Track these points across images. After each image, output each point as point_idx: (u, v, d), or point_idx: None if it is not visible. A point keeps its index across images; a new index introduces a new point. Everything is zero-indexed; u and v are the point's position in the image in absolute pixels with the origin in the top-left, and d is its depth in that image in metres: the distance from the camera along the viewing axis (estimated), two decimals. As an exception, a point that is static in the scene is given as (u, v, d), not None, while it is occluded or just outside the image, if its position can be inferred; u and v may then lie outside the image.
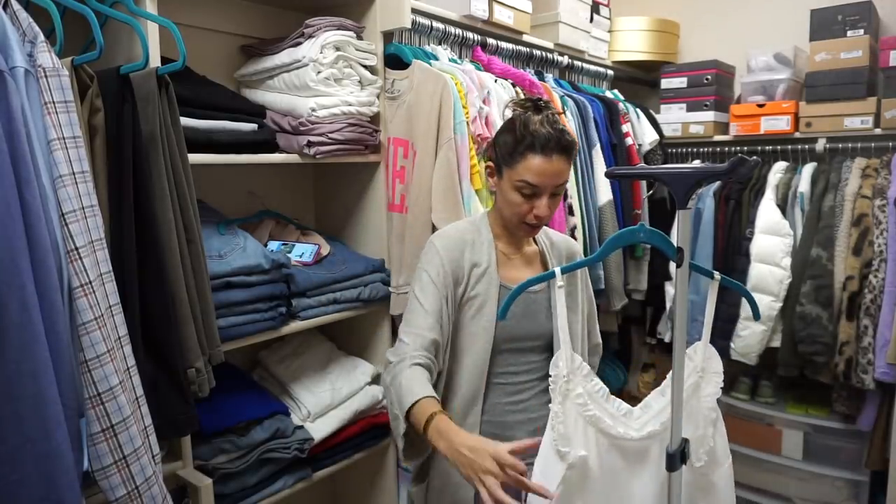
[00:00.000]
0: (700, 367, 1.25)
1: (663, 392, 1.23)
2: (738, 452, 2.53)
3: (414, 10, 1.79)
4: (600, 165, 2.18)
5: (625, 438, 1.19)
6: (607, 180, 2.18)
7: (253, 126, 1.59)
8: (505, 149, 1.31)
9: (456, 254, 1.34)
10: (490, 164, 1.38)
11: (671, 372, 1.23)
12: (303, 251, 1.76)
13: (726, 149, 2.67)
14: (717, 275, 1.20)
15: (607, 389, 1.21)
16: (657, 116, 2.72)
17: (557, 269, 1.19)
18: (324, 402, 1.74)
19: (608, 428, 1.18)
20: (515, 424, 1.36)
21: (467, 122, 1.72)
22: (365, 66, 1.75)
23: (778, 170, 2.41)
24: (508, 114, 1.37)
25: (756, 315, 1.29)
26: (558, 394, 1.15)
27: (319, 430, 1.70)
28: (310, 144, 1.63)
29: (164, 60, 1.33)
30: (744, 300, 2.28)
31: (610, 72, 2.66)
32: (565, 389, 1.16)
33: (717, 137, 2.63)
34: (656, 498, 1.21)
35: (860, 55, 2.26)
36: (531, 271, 1.42)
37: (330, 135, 1.65)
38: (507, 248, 1.41)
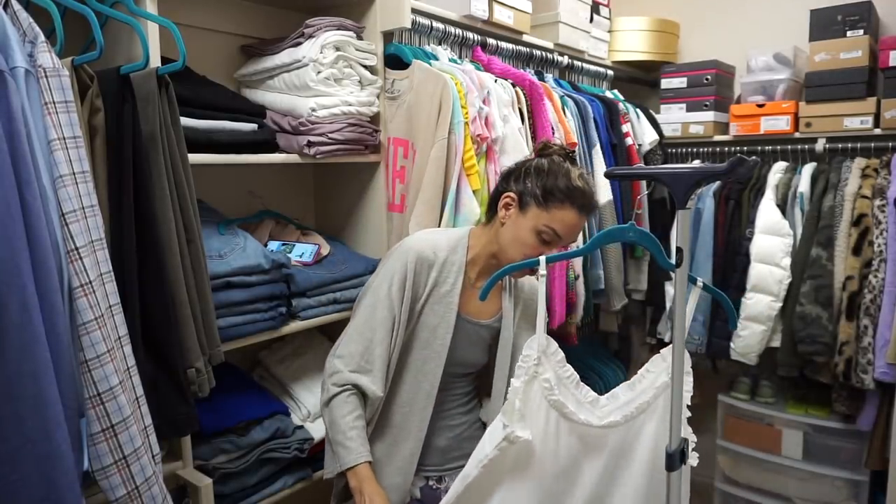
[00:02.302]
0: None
1: (632, 386, 1.28)
2: (739, 452, 2.54)
3: (414, 10, 1.79)
4: (600, 165, 2.18)
5: (585, 425, 1.24)
6: (607, 180, 2.18)
7: (253, 126, 1.59)
8: (542, 191, 1.30)
9: (424, 268, 1.36)
10: (511, 195, 1.34)
11: (643, 368, 1.27)
12: (303, 251, 1.76)
13: (726, 149, 2.67)
14: (699, 281, 1.22)
15: (577, 376, 1.25)
16: (657, 116, 2.71)
17: (542, 258, 1.21)
18: (324, 402, 1.74)
19: (571, 414, 1.23)
20: (437, 430, 1.45)
21: (466, 122, 1.72)
22: (365, 66, 1.75)
23: (778, 170, 2.41)
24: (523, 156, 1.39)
25: (733, 325, 1.32)
26: (525, 373, 1.20)
27: (319, 430, 1.69)
28: (310, 144, 1.63)
29: (164, 60, 1.32)
30: (744, 300, 2.28)
31: (610, 72, 2.66)
32: (534, 372, 1.20)
33: (717, 137, 2.63)
34: (603, 483, 1.26)
35: (860, 55, 2.26)
36: (491, 306, 1.45)
37: (330, 135, 1.65)
38: (476, 277, 1.42)
